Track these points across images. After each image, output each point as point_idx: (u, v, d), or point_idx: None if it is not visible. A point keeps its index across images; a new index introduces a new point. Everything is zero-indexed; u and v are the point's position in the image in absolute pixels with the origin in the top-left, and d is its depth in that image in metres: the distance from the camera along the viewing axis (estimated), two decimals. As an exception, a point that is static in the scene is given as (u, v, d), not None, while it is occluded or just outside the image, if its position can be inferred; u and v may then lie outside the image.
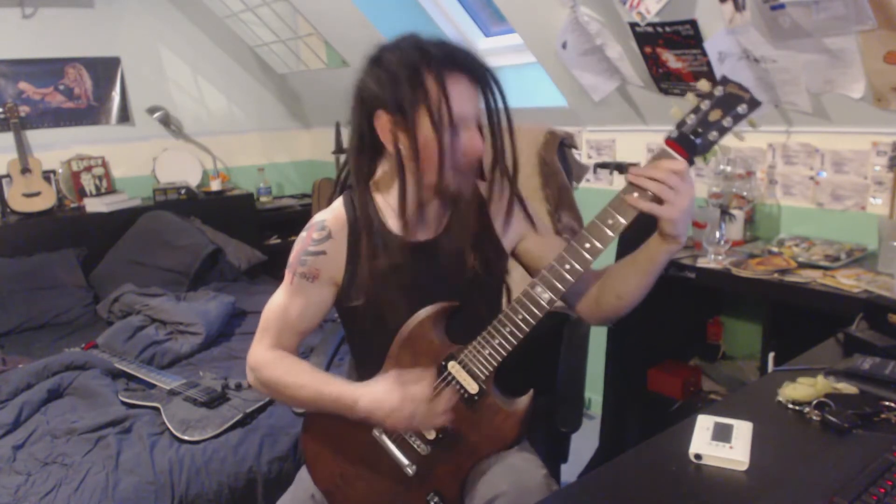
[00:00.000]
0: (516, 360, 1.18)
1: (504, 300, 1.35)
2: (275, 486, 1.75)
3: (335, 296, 1.27)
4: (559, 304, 1.22)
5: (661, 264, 1.15)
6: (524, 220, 1.31)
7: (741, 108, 1.02)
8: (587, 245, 1.09)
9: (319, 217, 1.28)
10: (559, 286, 1.11)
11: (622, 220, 1.07)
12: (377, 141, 1.19)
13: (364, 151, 1.22)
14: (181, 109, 3.93)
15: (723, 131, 1.03)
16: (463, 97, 1.13)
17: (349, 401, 1.16)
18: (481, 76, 1.15)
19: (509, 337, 1.14)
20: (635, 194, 1.06)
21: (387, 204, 1.25)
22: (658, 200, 1.05)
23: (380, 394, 1.14)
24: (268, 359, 1.25)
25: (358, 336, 1.35)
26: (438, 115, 1.11)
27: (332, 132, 3.81)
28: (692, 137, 1.04)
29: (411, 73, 1.11)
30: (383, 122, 1.15)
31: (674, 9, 1.93)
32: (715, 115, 1.03)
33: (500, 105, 1.18)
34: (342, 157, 3.87)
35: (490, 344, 1.15)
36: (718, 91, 1.03)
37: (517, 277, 1.35)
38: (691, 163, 1.05)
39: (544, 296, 1.12)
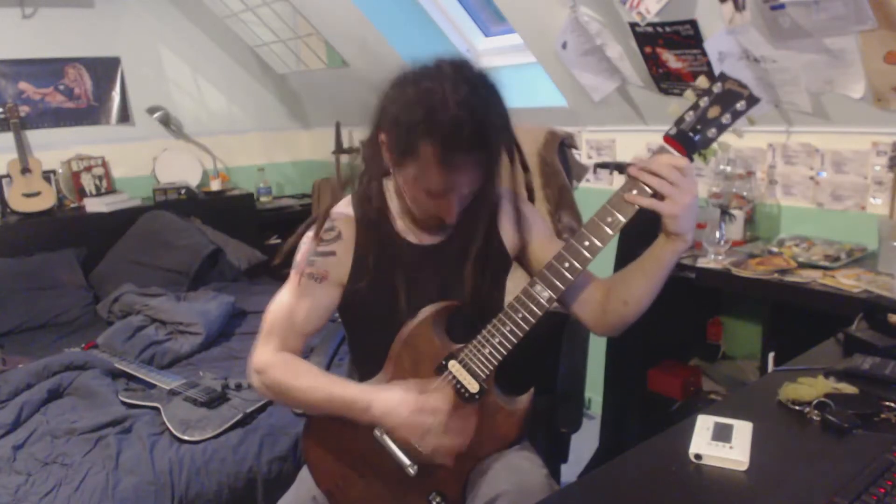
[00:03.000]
0: (517, 359, 1.18)
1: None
2: (275, 486, 1.75)
3: (341, 296, 1.27)
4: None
5: (667, 265, 1.13)
6: (531, 226, 1.31)
7: (740, 105, 1.02)
8: (586, 243, 1.09)
9: None
10: (559, 284, 1.11)
11: (621, 218, 1.07)
12: None
13: (376, 150, 1.21)
14: (181, 109, 3.93)
15: (721, 128, 1.03)
16: (451, 177, 1.09)
17: (363, 404, 1.15)
18: (484, 161, 1.10)
19: (509, 336, 1.14)
20: (635, 192, 1.05)
21: (395, 206, 1.25)
22: (660, 197, 1.04)
23: (397, 403, 1.12)
24: (274, 361, 1.23)
25: (359, 336, 1.34)
26: (422, 180, 1.10)
27: (332, 132, 3.81)
28: (691, 135, 1.04)
29: (411, 136, 1.07)
30: (383, 142, 1.15)
31: (674, 9, 1.93)
32: (713, 112, 1.03)
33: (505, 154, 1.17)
34: (342, 158, 3.88)
35: (490, 343, 1.15)
36: (717, 87, 1.03)
37: (517, 278, 1.35)
38: (690, 160, 1.05)
39: (544, 294, 1.12)
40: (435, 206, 1.15)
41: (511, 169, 1.22)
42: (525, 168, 1.27)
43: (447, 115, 1.04)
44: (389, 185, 1.26)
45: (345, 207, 1.27)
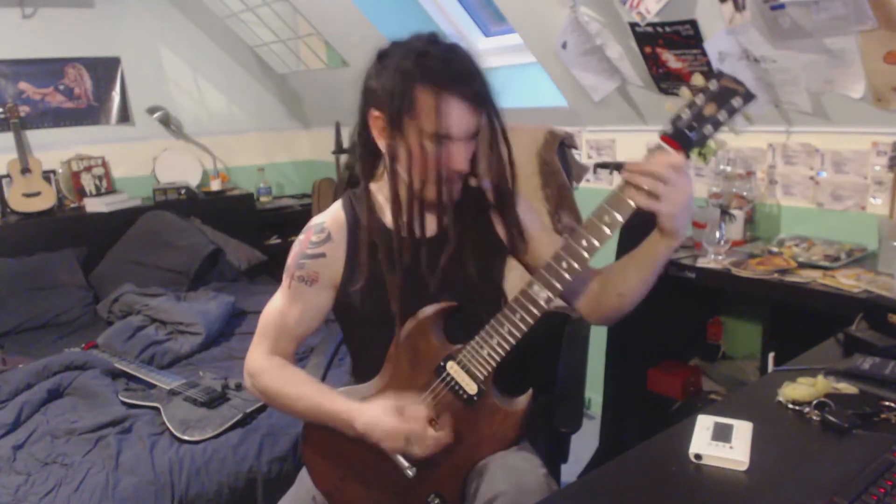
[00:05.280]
0: (516, 360, 1.17)
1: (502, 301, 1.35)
2: (275, 486, 1.75)
3: (334, 298, 1.27)
4: (559, 303, 1.22)
5: (661, 260, 1.14)
6: (524, 220, 1.31)
7: (736, 102, 1.01)
8: (584, 243, 1.08)
9: (318, 219, 1.28)
10: (557, 285, 1.11)
11: (619, 218, 1.06)
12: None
13: (365, 147, 1.22)
14: (181, 109, 3.93)
15: (717, 125, 1.03)
16: (453, 116, 1.11)
17: (346, 419, 1.16)
18: (479, 98, 1.14)
19: (508, 336, 1.14)
20: (631, 191, 1.05)
21: (386, 202, 1.24)
22: (655, 196, 1.04)
23: (377, 415, 1.13)
24: (265, 366, 1.25)
25: (356, 337, 1.34)
26: (426, 129, 1.11)
27: (332, 132, 3.81)
28: (687, 132, 1.03)
29: (405, 84, 1.10)
30: (375, 121, 1.17)
31: (674, 9, 1.93)
32: (710, 110, 1.02)
33: (497, 123, 1.18)
34: (342, 157, 3.88)
35: (488, 344, 1.15)
36: (713, 85, 1.02)
37: (515, 277, 1.35)
38: (686, 157, 1.05)
39: (542, 294, 1.11)
40: (445, 160, 1.13)
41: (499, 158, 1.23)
42: (511, 164, 1.26)
43: (435, 55, 1.11)
44: (380, 186, 1.27)
45: (335, 210, 1.28)
